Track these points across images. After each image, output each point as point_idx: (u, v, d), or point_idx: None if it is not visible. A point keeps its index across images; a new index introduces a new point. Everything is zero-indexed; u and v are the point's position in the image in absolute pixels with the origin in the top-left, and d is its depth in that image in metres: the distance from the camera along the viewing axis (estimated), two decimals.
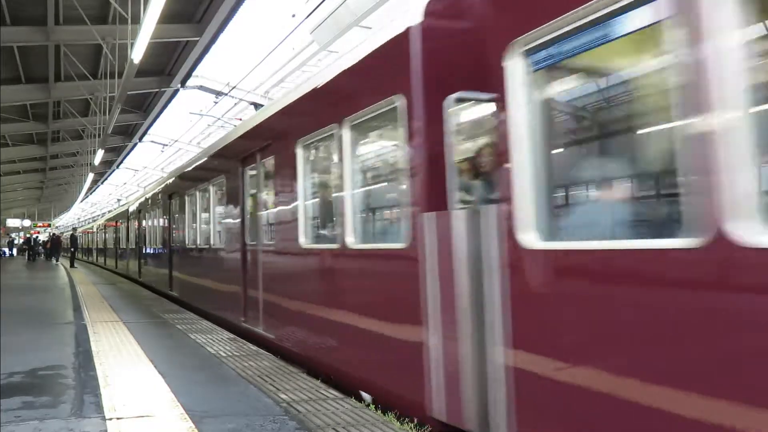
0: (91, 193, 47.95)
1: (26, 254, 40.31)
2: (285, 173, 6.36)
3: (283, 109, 6.63)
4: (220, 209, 9.35)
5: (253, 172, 7.65)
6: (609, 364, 2.64)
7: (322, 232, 5.86)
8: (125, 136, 28.64)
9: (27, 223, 60.66)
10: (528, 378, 3.06)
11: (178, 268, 12.54)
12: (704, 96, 2.19)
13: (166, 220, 13.92)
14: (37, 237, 48.08)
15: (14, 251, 54.30)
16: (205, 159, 10.50)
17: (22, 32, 14.74)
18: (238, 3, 13.54)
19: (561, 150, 3.37)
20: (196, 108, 26.79)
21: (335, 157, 5.19)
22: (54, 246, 36.11)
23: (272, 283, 6.79)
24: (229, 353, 6.13)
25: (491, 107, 3.45)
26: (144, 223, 17.52)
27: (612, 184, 3.02)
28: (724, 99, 2.13)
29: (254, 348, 6.48)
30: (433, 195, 3.92)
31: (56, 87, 19.04)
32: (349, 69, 5.13)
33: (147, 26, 9.52)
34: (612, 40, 2.67)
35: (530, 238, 3.04)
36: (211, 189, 9.84)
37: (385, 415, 4.16)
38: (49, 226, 62.79)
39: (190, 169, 11.84)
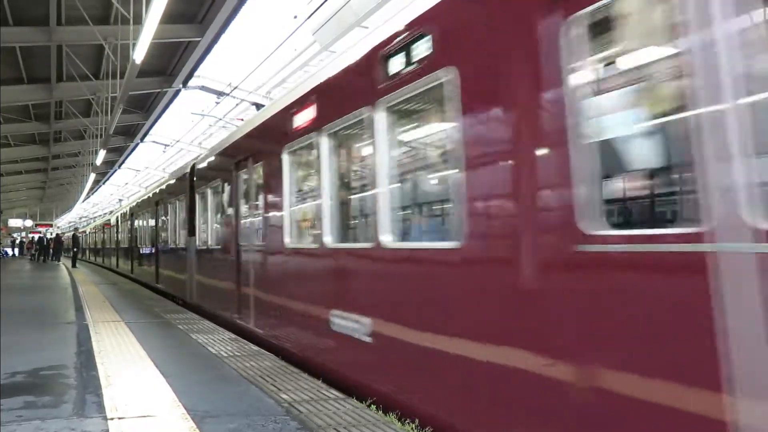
0: (92, 194, 47.98)
1: (36, 255, 37.96)
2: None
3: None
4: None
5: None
6: None
7: None
8: (127, 137, 28.68)
9: (29, 223, 60.75)
10: None
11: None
12: None
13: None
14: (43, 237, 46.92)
15: (16, 251, 54.21)
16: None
17: (24, 32, 14.78)
18: (239, 3, 13.56)
19: None
20: (198, 108, 26.84)
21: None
22: (55, 246, 36.20)
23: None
24: (231, 353, 6.13)
25: None
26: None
27: None
28: None
29: (255, 348, 6.48)
30: None
31: (58, 87, 19.08)
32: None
33: (149, 26, 9.53)
34: None
35: None
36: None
37: (386, 415, 4.16)
38: (51, 226, 62.84)
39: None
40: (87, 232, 46.65)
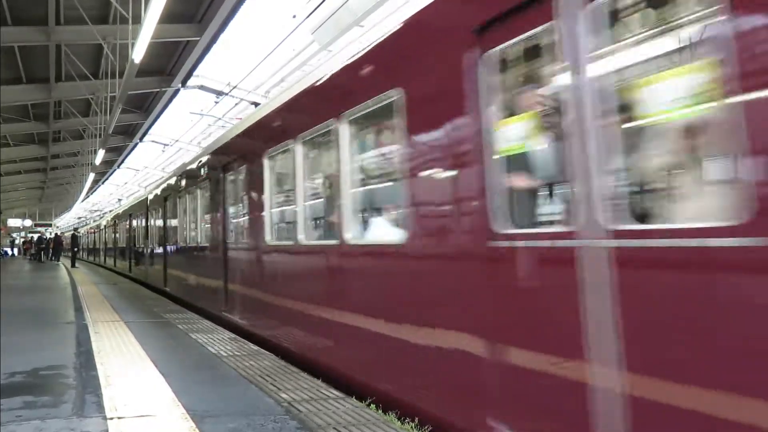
0: (91, 193, 48.00)
1: (38, 255, 37.13)
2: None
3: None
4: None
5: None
6: None
7: None
8: (126, 136, 28.67)
9: (28, 223, 60.73)
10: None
11: None
12: None
13: None
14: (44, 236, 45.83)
15: (16, 251, 54.16)
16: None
17: (23, 32, 14.78)
18: (238, 3, 13.56)
19: None
20: (197, 108, 26.81)
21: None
22: (55, 246, 36.20)
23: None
24: (230, 353, 6.13)
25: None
26: None
27: None
28: None
29: (255, 348, 6.49)
30: None
31: (57, 87, 19.07)
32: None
33: (148, 26, 9.53)
34: None
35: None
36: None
37: (386, 414, 4.17)
38: (50, 226, 62.83)
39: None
40: (102, 227, 34.05)
